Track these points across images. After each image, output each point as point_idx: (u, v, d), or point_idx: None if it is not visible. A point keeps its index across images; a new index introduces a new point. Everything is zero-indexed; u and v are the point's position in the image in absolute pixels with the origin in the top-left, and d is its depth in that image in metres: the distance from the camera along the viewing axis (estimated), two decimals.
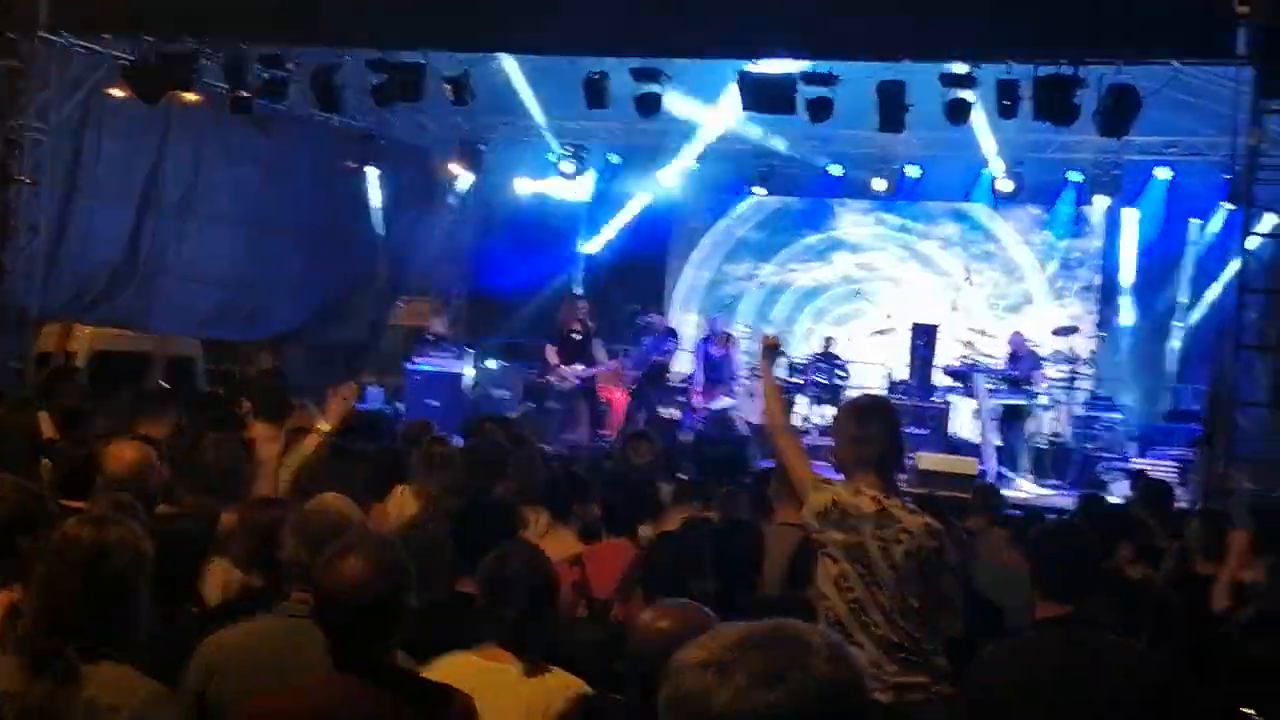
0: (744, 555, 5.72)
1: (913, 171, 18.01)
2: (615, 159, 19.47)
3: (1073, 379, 16.65)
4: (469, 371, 17.24)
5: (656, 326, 16.42)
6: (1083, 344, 17.44)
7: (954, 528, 6.54)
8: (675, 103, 14.53)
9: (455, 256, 20.88)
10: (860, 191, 18.74)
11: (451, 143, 19.08)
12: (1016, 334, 16.53)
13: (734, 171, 19.15)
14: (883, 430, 4.79)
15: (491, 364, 17.95)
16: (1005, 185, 17.32)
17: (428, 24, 12.91)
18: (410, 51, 13.34)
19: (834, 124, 13.51)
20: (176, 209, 16.30)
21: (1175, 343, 17.80)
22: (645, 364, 16.02)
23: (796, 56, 12.44)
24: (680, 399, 16.73)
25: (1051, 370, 16.47)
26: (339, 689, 3.29)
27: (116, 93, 14.42)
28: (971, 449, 15.59)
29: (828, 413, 15.58)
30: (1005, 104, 12.33)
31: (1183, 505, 10.41)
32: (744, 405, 16.16)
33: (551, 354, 16.34)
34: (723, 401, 16.21)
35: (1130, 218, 18.03)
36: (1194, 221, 17.35)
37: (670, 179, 19.23)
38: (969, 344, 16.41)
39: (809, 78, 12.55)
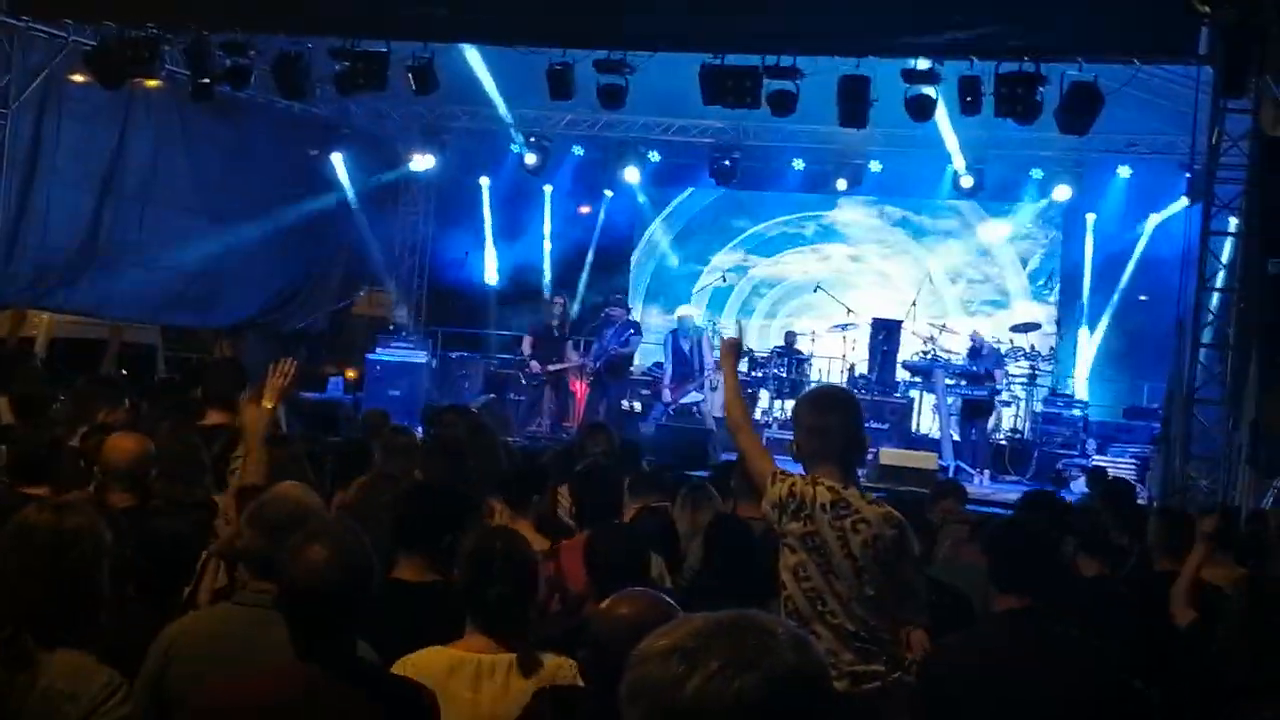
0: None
1: (875, 166, 18.10)
2: (579, 150, 19.45)
3: (1033, 375, 16.76)
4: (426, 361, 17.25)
5: (617, 318, 16.41)
6: (1042, 340, 17.54)
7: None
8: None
9: (416, 247, 20.83)
10: (823, 185, 18.82)
11: (414, 132, 19.01)
12: (977, 331, 16.63)
13: (698, 164, 19.13)
14: (842, 421, 4.77)
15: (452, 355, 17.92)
16: (967, 181, 17.45)
17: (392, 12, 12.83)
18: (374, 40, 13.26)
19: (797, 118, 13.51)
20: (137, 195, 16.16)
21: (1134, 340, 17.90)
22: (604, 356, 16.00)
23: (760, 51, 12.43)
24: (645, 392, 16.73)
25: (1012, 366, 16.58)
26: (301, 678, 3.26)
27: (77, 78, 14.30)
28: (933, 445, 15.65)
29: (789, 406, 15.58)
30: (968, 100, 12.37)
31: (1141, 502, 10.49)
32: (711, 399, 16.15)
33: (527, 345, 16.54)
34: (692, 395, 16.22)
35: (1091, 214, 18.17)
36: (1153, 218, 17.47)
37: (633, 172, 19.25)
38: (930, 339, 16.47)
39: (771, 71, 12.53)
